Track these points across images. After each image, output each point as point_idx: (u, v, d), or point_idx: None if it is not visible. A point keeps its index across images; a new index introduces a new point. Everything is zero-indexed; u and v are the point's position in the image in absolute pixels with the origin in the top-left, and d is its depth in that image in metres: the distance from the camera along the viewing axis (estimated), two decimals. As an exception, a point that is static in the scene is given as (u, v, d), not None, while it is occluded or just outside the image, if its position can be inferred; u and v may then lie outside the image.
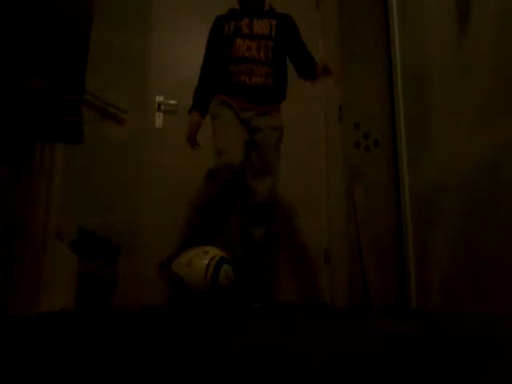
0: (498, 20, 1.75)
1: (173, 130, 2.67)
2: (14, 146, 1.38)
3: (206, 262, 1.80)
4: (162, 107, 2.71)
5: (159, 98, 2.71)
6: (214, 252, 1.86)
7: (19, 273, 1.41)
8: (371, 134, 2.78)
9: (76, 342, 0.92)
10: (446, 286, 2.08)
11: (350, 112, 2.78)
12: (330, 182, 2.79)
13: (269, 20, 2.20)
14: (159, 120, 2.70)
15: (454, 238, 2.02)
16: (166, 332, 1.14)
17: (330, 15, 2.92)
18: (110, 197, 2.51)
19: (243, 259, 2.08)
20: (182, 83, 2.71)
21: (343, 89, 2.79)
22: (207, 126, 2.21)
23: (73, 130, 1.37)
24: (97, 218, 2.37)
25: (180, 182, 2.62)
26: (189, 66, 2.75)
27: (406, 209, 2.51)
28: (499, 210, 1.70)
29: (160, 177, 2.63)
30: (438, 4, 2.21)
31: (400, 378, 0.59)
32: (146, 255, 2.50)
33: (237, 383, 0.57)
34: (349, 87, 2.80)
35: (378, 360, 0.70)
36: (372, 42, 2.87)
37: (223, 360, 0.71)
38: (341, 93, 2.80)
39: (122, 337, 1.01)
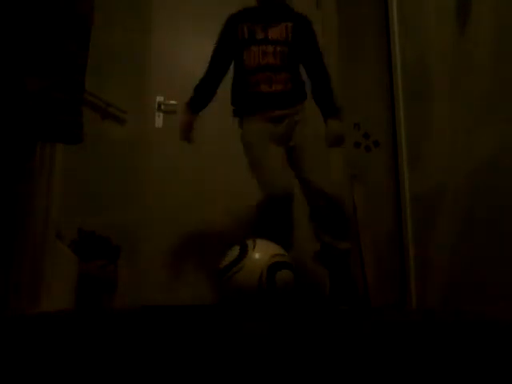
0: (497, 20, 1.75)
1: (173, 130, 2.65)
2: (14, 146, 1.38)
3: (265, 262, 1.61)
4: (162, 107, 2.71)
5: (159, 98, 2.71)
6: (277, 253, 1.67)
7: (19, 273, 1.41)
8: (371, 134, 2.78)
9: (76, 341, 0.92)
10: (446, 286, 2.08)
11: (350, 112, 2.78)
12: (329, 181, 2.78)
13: (285, 24, 2.08)
14: (159, 120, 2.70)
15: (453, 238, 2.02)
16: (166, 332, 1.14)
17: (330, 15, 2.91)
18: (110, 197, 2.51)
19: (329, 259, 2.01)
20: (182, 83, 2.70)
21: (343, 89, 2.79)
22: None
23: (73, 129, 1.37)
24: (97, 218, 2.37)
25: (180, 181, 2.62)
26: (189, 66, 2.75)
27: (406, 209, 2.51)
28: (499, 210, 1.70)
29: (160, 177, 2.62)
30: (438, 4, 2.21)
31: (400, 377, 0.59)
32: (146, 255, 2.50)
33: (236, 383, 0.57)
34: (349, 87, 2.79)
35: (378, 360, 0.70)
36: (372, 42, 2.87)
37: (222, 360, 0.71)
38: (341, 93, 2.79)
39: (122, 337, 1.01)
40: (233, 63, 2.15)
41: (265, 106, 2.04)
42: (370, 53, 2.86)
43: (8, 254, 1.36)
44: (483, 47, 1.83)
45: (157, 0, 2.78)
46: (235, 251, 1.63)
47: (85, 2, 1.45)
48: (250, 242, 1.64)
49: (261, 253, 1.62)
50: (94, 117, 2.54)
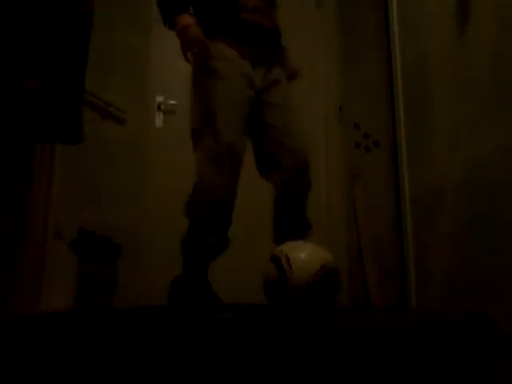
0: (498, 20, 1.75)
1: (173, 130, 2.67)
2: (14, 146, 1.38)
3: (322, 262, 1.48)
4: (162, 107, 2.71)
5: (159, 98, 2.71)
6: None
7: (19, 273, 1.41)
8: (371, 134, 2.78)
9: (76, 341, 0.92)
10: (446, 286, 2.08)
11: (350, 112, 2.78)
12: (329, 182, 2.79)
13: None
14: (159, 120, 2.70)
15: (453, 238, 2.01)
16: (166, 332, 1.14)
17: (330, 15, 2.91)
18: (109, 197, 2.51)
19: None
20: (182, 83, 2.70)
21: (343, 89, 2.79)
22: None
23: (73, 129, 1.37)
24: (97, 218, 2.37)
25: (180, 181, 2.62)
26: (189, 66, 2.75)
27: (406, 209, 2.51)
28: (499, 210, 1.70)
29: (160, 177, 2.62)
30: (438, 4, 2.21)
31: (400, 377, 0.59)
32: (145, 255, 2.50)
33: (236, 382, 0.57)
34: (349, 87, 2.79)
35: (378, 360, 0.70)
36: (372, 42, 2.87)
37: (220, 361, 0.71)
38: (341, 93, 2.80)
39: (122, 337, 1.01)
40: None
41: (251, 40, 1.66)
42: (369, 53, 2.86)
43: (8, 253, 1.36)
44: (483, 47, 1.82)
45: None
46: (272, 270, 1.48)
47: (85, 3, 1.45)
48: (283, 259, 1.46)
49: (300, 271, 1.44)
50: (94, 117, 2.53)
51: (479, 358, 0.71)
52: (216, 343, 0.91)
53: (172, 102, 2.70)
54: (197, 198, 1.62)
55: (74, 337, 1.00)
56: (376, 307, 2.46)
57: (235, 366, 0.66)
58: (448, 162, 2.09)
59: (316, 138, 2.85)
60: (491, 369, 0.63)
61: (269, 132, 1.71)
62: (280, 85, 1.73)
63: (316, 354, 0.77)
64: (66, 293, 1.94)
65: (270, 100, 1.71)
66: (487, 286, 1.74)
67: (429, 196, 2.26)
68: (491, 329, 1.11)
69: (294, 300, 1.44)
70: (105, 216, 2.42)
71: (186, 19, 1.59)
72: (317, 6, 3.01)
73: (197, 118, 1.66)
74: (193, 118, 1.67)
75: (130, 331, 1.15)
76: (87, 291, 2.08)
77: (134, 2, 2.75)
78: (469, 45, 1.93)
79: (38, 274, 1.53)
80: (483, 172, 1.81)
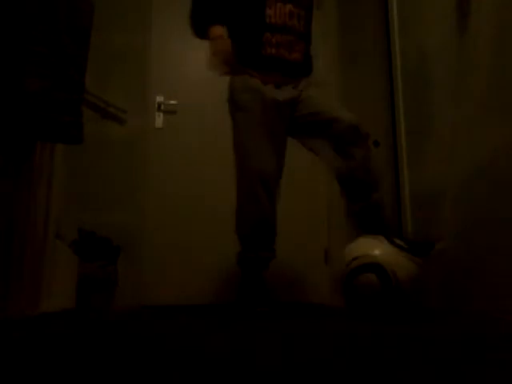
0: (498, 20, 1.75)
1: (173, 130, 2.67)
2: (14, 146, 1.38)
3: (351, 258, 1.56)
4: (162, 107, 2.71)
5: (159, 98, 2.71)
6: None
7: (19, 273, 1.41)
8: (371, 134, 2.77)
9: (76, 341, 0.92)
10: (445, 286, 2.08)
11: (350, 112, 2.78)
12: (330, 181, 2.79)
13: None
14: (159, 120, 2.70)
15: (453, 238, 2.01)
16: (165, 332, 1.14)
17: (329, 15, 2.91)
18: (110, 197, 2.51)
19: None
20: (182, 83, 2.71)
21: (343, 89, 2.79)
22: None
23: (73, 129, 1.37)
24: (97, 218, 2.37)
25: (180, 181, 2.62)
26: (189, 66, 2.75)
27: (406, 209, 2.51)
28: (499, 210, 1.70)
29: (160, 177, 2.63)
30: (438, 4, 2.21)
31: (400, 378, 0.59)
32: (146, 255, 2.50)
33: (235, 382, 0.57)
34: (349, 87, 2.79)
35: (377, 360, 0.70)
36: (372, 42, 2.87)
37: (219, 361, 0.71)
38: (341, 93, 2.79)
39: (122, 337, 1.01)
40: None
41: (274, 71, 1.81)
42: (369, 53, 2.86)
43: (8, 253, 1.36)
44: (483, 47, 1.82)
45: (157, 0, 2.78)
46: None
47: (85, 2, 1.45)
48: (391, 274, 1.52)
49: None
50: (94, 117, 2.53)
51: (479, 358, 0.71)
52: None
53: (172, 102, 2.70)
54: (238, 219, 1.85)
55: (73, 337, 1.00)
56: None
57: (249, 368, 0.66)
58: (448, 162, 2.09)
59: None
60: (491, 369, 0.63)
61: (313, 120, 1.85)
62: (308, 89, 1.88)
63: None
64: (66, 293, 1.94)
65: (302, 100, 1.85)
66: (487, 285, 1.74)
67: (429, 196, 2.26)
68: (492, 328, 1.11)
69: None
70: (105, 216, 2.42)
71: (219, 30, 1.77)
72: (317, 6, 3.00)
73: (235, 148, 1.85)
74: (234, 148, 1.86)
75: (130, 331, 1.15)
76: (87, 291, 2.08)
77: (134, 2, 2.75)
78: (469, 45, 1.93)
79: (38, 274, 1.53)
80: (483, 172, 1.81)
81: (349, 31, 2.87)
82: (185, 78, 2.72)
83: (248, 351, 0.81)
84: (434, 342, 0.93)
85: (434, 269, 1.93)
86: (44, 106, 1.29)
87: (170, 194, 2.60)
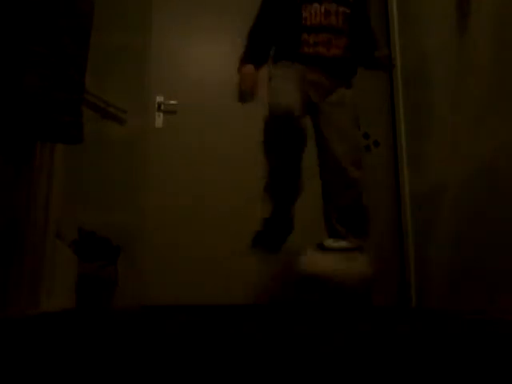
0: (498, 20, 1.75)
1: (173, 130, 2.67)
2: (14, 145, 1.38)
3: None
4: (162, 107, 2.71)
5: (159, 98, 2.71)
6: None
7: (19, 273, 1.41)
8: (371, 134, 2.78)
9: (76, 342, 0.92)
10: (446, 286, 2.08)
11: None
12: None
13: None
14: (159, 120, 2.70)
15: (453, 238, 2.01)
16: (165, 332, 1.14)
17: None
18: (109, 197, 2.51)
19: None
20: (182, 83, 2.71)
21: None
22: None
23: (73, 129, 1.37)
24: (97, 218, 2.37)
25: (180, 181, 2.62)
26: (189, 66, 2.75)
27: (406, 209, 2.51)
28: (499, 210, 1.70)
29: (160, 177, 2.63)
30: (438, 4, 2.21)
31: (399, 378, 0.59)
32: (146, 255, 2.50)
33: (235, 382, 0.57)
34: (349, 87, 2.79)
35: (377, 360, 0.70)
36: (372, 42, 2.86)
37: (218, 360, 0.71)
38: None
39: (122, 337, 1.01)
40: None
41: (317, 66, 1.88)
42: (369, 53, 2.85)
43: (8, 253, 1.36)
44: (483, 47, 1.82)
45: (157, 0, 2.78)
46: None
47: (85, 2, 1.45)
48: None
49: None
50: (94, 117, 2.53)
51: (480, 358, 0.71)
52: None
53: (172, 102, 2.70)
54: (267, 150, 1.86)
55: (73, 337, 1.00)
56: (376, 307, 2.45)
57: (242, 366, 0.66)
58: (448, 161, 2.09)
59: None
60: (491, 368, 0.63)
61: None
62: (343, 105, 1.93)
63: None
64: (66, 293, 1.94)
65: (323, 112, 1.93)
66: (488, 285, 1.74)
67: (429, 196, 2.26)
68: (493, 328, 1.11)
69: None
70: (105, 216, 2.42)
71: (250, 69, 1.89)
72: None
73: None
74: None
75: (130, 331, 1.15)
76: (87, 291, 2.08)
77: (134, 2, 2.75)
78: (469, 45, 1.93)
79: (38, 273, 1.53)
80: (483, 172, 1.81)
81: (349, 31, 2.86)
82: (185, 78, 2.71)
83: (248, 351, 0.81)
84: (434, 342, 0.93)
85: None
86: (44, 105, 1.29)
87: (170, 193, 2.60)
